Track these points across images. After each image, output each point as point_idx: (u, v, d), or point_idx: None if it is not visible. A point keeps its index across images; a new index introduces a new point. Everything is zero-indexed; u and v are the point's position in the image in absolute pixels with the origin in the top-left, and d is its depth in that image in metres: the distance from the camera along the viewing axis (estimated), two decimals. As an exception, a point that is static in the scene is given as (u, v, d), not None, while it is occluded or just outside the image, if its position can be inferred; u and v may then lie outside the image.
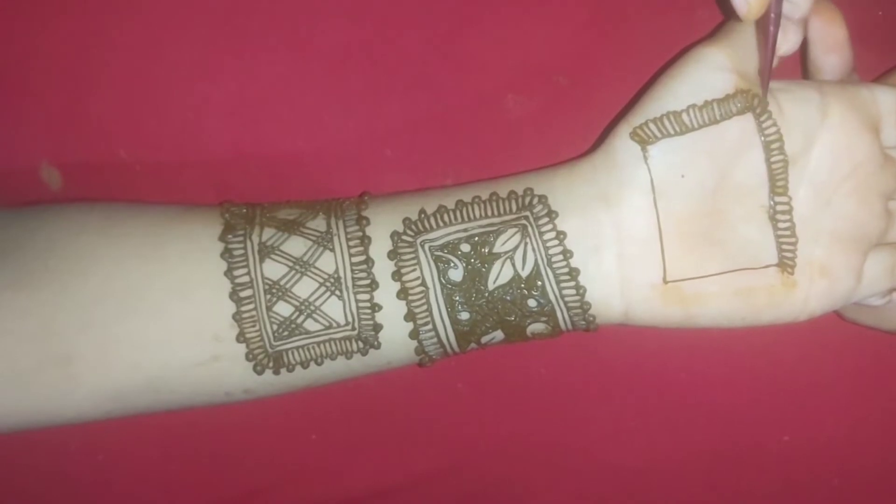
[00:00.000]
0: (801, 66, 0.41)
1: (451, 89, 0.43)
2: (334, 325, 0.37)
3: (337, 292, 0.37)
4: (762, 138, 0.36)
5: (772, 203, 0.37)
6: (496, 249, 0.37)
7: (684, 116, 0.36)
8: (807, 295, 0.37)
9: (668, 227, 0.37)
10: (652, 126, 0.36)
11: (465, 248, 0.37)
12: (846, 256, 0.37)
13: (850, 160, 0.37)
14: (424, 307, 0.37)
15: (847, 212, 0.37)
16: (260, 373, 0.37)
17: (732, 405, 0.46)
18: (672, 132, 0.36)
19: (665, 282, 0.37)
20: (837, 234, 0.37)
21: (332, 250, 0.37)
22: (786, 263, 0.37)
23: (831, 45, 0.38)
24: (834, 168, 0.37)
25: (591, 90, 0.42)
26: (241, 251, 0.37)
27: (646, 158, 0.36)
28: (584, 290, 0.37)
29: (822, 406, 0.46)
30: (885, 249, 0.39)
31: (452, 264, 0.37)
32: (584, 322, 0.37)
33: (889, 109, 0.37)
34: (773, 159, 0.36)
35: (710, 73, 0.36)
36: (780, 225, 0.37)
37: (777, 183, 0.37)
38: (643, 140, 0.36)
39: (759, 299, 0.37)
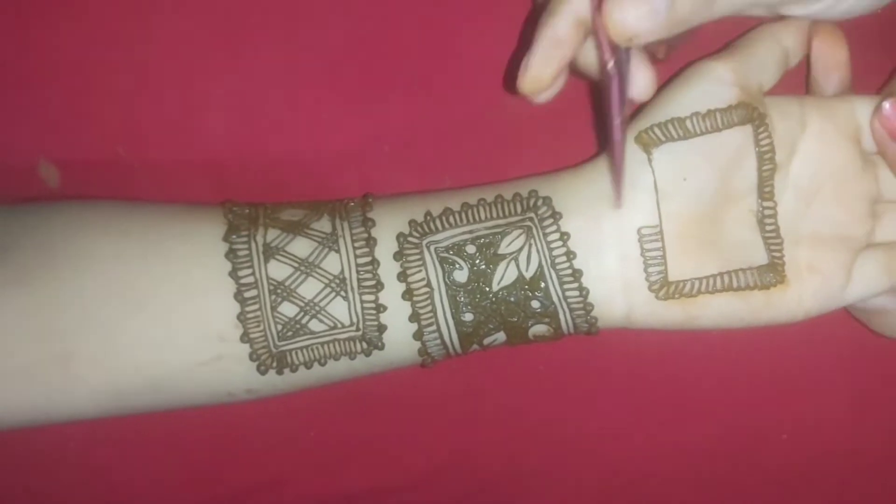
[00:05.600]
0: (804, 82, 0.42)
1: (450, 87, 0.43)
2: (339, 325, 0.37)
3: (342, 293, 0.37)
4: (757, 148, 0.38)
5: (759, 207, 0.39)
6: (501, 251, 0.37)
7: (688, 122, 0.37)
8: (800, 293, 0.38)
9: (670, 229, 0.37)
10: (657, 130, 0.37)
11: (471, 249, 0.37)
12: (833, 254, 0.39)
13: (828, 167, 0.39)
14: (429, 308, 0.37)
15: (828, 214, 0.39)
16: (263, 373, 0.37)
17: (731, 403, 0.46)
18: (676, 136, 0.37)
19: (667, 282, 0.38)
20: (820, 234, 0.39)
21: (338, 251, 0.37)
22: (776, 263, 0.38)
23: (833, 65, 0.40)
24: (813, 174, 0.39)
25: (590, 87, 0.43)
26: (246, 252, 0.37)
27: (650, 161, 0.37)
28: (587, 291, 0.37)
29: (820, 405, 0.46)
30: (878, 249, 0.40)
31: (458, 266, 0.37)
32: (585, 324, 0.38)
33: (867, 118, 0.39)
34: (763, 167, 0.38)
35: (714, 85, 0.37)
36: (767, 227, 0.38)
37: (764, 188, 0.38)
38: (648, 143, 0.37)
39: (757, 299, 0.38)
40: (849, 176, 0.39)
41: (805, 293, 0.39)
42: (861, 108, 0.39)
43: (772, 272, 0.38)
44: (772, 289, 0.38)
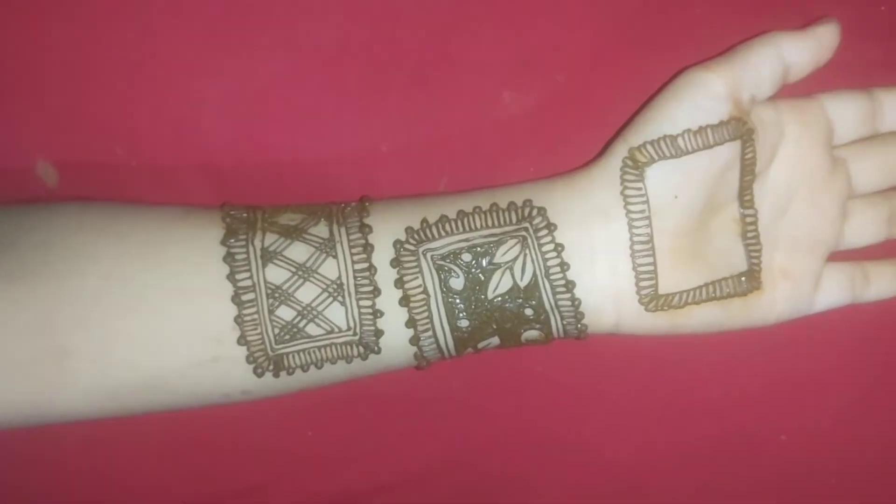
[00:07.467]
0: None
1: (447, 86, 0.43)
2: (336, 330, 0.37)
3: (339, 298, 0.37)
4: (742, 161, 0.38)
5: (741, 215, 0.39)
6: (497, 260, 0.38)
7: (680, 141, 0.37)
8: (773, 298, 0.40)
9: (661, 244, 0.38)
10: (649, 148, 0.37)
11: (467, 257, 0.38)
12: (805, 259, 0.40)
13: (803, 170, 0.40)
14: (425, 314, 0.37)
15: (802, 218, 0.40)
16: (260, 375, 0.37)
17: (730, 404, 0.47)
18: (668, 155, 0.37)
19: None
20: (794, 239, 0.40)
21: (335, 257, 0.37)
22: (754, 270, 0.39)
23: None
24: (790, 180, 0.40)
25: (587, 88, 0.43)
26: (244, 255, 0.37)
27: (643, 178, 0.37)
28: (579, 302, 0.38)
29: (820, 406, 0.47)
30: (846, 263, 0.42)
31: (454, 273, 0.38)
32: (575, 330, 0.39)
33: (838, 113, 0.40)
34: (745, 177, 0.39)
35: (706, 99, 0.37)
36: (749, 235, 0.39)
37: (745, 197, 0.39)
38: (640, 161, 0.37)
39: (734, 306, 0.39)
40: (821, 178, 0.40)
41: (778, 298, 0.40)
42: (831, 105, 0.40)
43: (749, 279, 0.39)
44: (749, 295, 0.39)
